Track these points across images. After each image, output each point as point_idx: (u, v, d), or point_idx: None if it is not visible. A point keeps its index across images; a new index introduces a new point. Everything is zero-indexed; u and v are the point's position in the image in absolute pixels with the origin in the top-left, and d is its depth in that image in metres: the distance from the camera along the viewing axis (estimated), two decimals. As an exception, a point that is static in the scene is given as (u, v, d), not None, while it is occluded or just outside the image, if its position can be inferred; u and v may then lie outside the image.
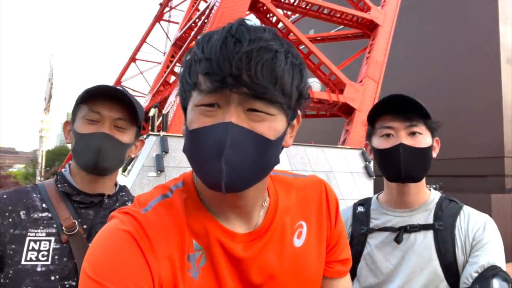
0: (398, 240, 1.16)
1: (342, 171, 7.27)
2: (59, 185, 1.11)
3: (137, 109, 1.09)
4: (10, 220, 1.01)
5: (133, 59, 23.27)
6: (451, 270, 1.10)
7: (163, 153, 5.83)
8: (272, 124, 0.58)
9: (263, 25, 0.62)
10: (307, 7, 11.12)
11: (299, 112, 0.65)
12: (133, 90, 24.35)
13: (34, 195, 1.08)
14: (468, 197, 13.44)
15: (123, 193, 1.20)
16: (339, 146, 8.18)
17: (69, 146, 1.16)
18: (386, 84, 11.32)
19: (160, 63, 22.18)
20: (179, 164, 5.90)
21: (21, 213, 1.03)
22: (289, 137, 0.65)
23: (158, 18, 23.35)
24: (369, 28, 11.27)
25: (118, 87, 1.09)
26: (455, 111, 16.81)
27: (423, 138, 1.14)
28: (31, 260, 0.99)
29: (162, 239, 0.60)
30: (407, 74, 19.62)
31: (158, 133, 6.06)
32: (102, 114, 1.07)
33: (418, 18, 19.84)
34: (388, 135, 1.16)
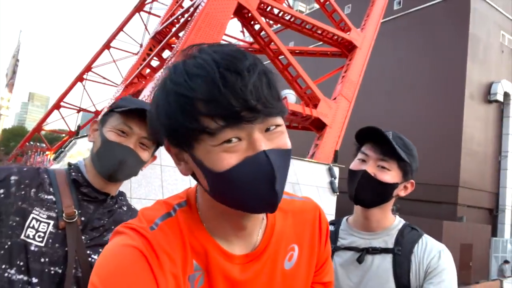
0: (359, 260, 1.24)
1: (308, 184, 7.38)
2: (73, 173, 1.15)
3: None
4: (23, 193, 1.05)
5: (107, 46, 22.63)
6: None
7: (131, 147, 5.67)
8: (285, 133, 0.63)
9: (229, 45, 0.62)
10: (291, 20, 11.29)
11: None
12: (104, 78, 23.63)
13: (46, 176, 1.13)
14: (422, 221, 14.05)
15: (122, 198, 1.27)
16: (307, 159, 8.30)
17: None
18: (358, 104, 11.67)
19: (135, 53, 21.68)
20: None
21: (32, 190, 1.07)
22: None
23: (139, 8, 22.88)
24: (348, 49, 11.59)
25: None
26: (419, 137, 17.56)
27: (389, 174, 1.22)
28: (28, 237, 1.02)
29: (169, 259, 0.61)
30: (377, 97, 20.35)
31: (127, 126, 5.89)
32: (133, 129, 1.13)
33: (394, 46, 20.68)
34: (362, 160, 1.26)
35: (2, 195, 1.02)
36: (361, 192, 1.23)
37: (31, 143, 24.56)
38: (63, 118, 23.08)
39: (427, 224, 13.89)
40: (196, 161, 0.60)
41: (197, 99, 0.55)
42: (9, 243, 0.99)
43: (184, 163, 0.64)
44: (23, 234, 1.01)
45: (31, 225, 1.02)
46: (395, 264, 1.20)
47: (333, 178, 7.83)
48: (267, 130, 0.60)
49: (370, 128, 1.24)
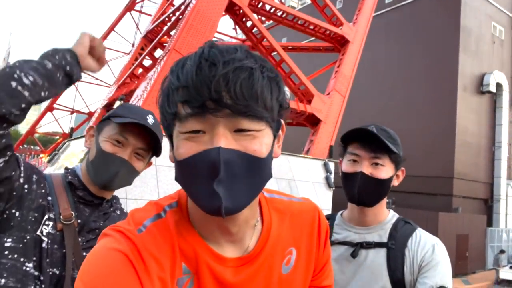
0: (353, 254, 1.24)
1: (304, 180, 7.40)
2: (69, 177, 1.17)
3: (160, 144, 1.17)
4: (43, 191, 1.09)
5: (99, 46, 22.39)
6: (399, 287, 1.18)
7: (125, 147, 5.64)
8: (261, 139, 0.59)
9: (235, 45, 0.61)
10: (283, 16, 11.28)
11: (282, 121, 0.66)
12: (96, 79, 23.48)
13: (45, 180, 1.14)
14: (418, 213, 14.16)
15: (115, 201, 1.28)
16: (302, 155, 8.31)
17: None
18: (352, 98, 11.70)
19: (127, 53, 21.53)
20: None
21: (44, 189, 1.10)
22: (277, 147, 0.66)
23: (130, 7, 22.68)
24: (340, 43, 11.60)
25: (146, 117, 1.14)
26: (413, 130, 17.66)
27: (384, 170, 1.22)
28: (42, 233, 1.05)
29: (156, 262, 0.59)
30: (371, 92, 20.40)
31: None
32: (129, 140, 1.13)
33: (386, 40, 20.72)
34: (354, 161, 1.25)
35: (26, 191, 1.05)
36: (362, 194, 1.22)
37: (25, 146, 24.36)
38: (56, 120, 22.89)
39: (423, 216, 13.99)
40: (173, 147, 0.61)
41: (177, 86, 0.57)
42: (27, 237, 1.02)
43: (172, 150, 0.64)
44: (39, 230, 1.04)
45: (46, 223, 1.06)
46: (389, 258, 1.20)
47: (328, 173, 7.85)
48: (239, 131, 0.57)
49: (358, 130, 1.23)
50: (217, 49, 0.57)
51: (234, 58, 0.56)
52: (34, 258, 1.02)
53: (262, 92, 0.57)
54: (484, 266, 16.88)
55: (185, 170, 0.58)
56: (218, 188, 0.55)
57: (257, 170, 0.59)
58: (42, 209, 1.07)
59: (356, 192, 1.22)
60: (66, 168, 1.22)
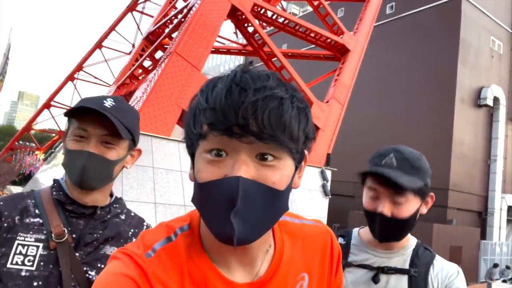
0: (375, 280, 1.19)
1: (300, 187, 7.39)
2: (54, 193, 1.12)
3: (118, 128, 1.06)
4: (6, 225, 1.03)
5: (99, 45, 22.41)
6: None
7: (122, 148, 5.62)
8: (282, 171, 0.58)
9: (266, 70, 0.62)
10: (284, 23, 11.33)
11: (306, 152, 0.65)
12: (95, 78, 23.45)
13: (29, 200, 1.10)
14: (413, 224, 14.16)
15: (117, 205, 1.21)
16: (299, 162, 8.31)
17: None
18: (350, 107, 11.74)
19: (128, 53, 21.55)
20: (137, 162, 5.71)
21: (16, 218, 1.05)
22: (297, 178, 0.65)
23: (131, 7, 22.75)
24: (340, 52, 11.65)
25: (103, 101, 1.09)
26: (409, 140, 17.70)
27: (407, 207, 1.14)
28: (16, 263, 1.00)
29: None
30: (370, 100, 20.49)
31: (119, 127, 5.83)
32: (88, 131, 1.07)
33: (386, 50, 20.85)
34: (375, 196, 1.17)
35: None
36: (384, 234, 1.17)
37: (20, 142, 24.25)
38: (53, 117, 22.78)
39: (417, 226, 13.85)
40: (194, 167, 0.61)
41: (205, 107, 0.57)
42: None
43: (192, 169, 0.64)
44: (9, 263, 1.00)
45: (17, 252, 1.01)
46: (411, 285, 1.18)
47: (325, 181, 7.86)
48: (262, 158, 0.57)
49: (375, 173, 1.14)
50: (249, 75, 0.58)
51: (266, 86, 0.56)
52: None
53: (290, 123, 0.57)
54: (477, 278, 16.88)
55: (203, 193, 0.58)
56: (233, 218, 0.54)
57: (274, 202, 0.58)
58: (8, 242, 1.02)
59: (377, 233, 1.17)
60: (54, 181, 1.17)
